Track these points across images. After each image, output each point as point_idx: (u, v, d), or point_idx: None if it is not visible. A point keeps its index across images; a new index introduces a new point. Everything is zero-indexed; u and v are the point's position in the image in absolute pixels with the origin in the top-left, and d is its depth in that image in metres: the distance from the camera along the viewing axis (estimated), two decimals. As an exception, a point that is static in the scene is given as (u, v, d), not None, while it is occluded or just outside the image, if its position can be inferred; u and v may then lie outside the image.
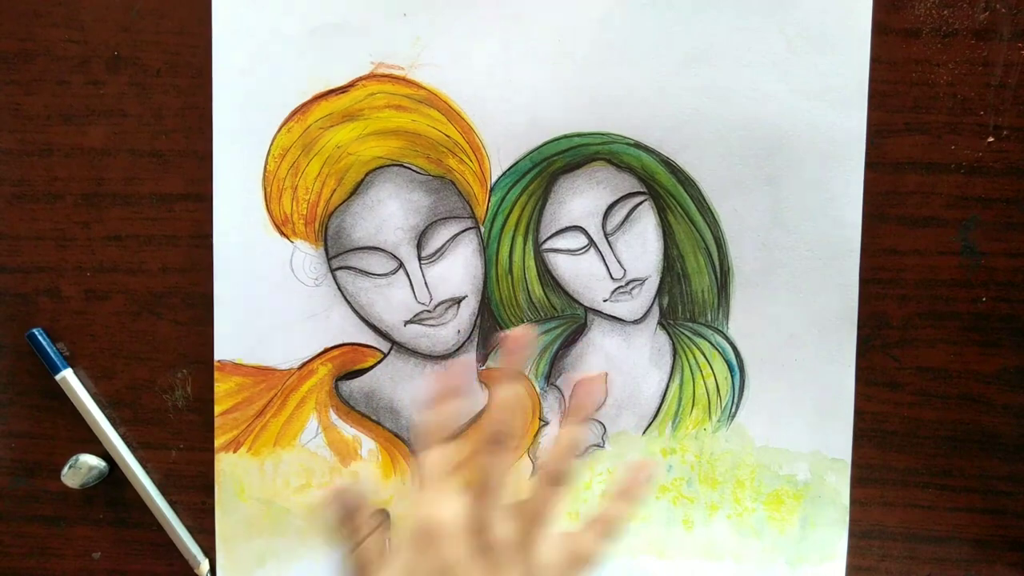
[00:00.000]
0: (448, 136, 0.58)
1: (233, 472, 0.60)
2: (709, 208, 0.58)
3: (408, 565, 0.44)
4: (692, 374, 0.60)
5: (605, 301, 0.59)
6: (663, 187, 0.58)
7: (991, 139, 0.58)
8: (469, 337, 0.60)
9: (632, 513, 0.48)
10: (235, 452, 0.60)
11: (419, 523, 0.44)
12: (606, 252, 0.59)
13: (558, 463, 0.46)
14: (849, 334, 0.59)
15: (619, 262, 0.59)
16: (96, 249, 0.61)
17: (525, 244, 0.59)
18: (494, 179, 0.58)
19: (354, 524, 0.47)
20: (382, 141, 0.58)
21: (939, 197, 0.59)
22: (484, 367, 0.60)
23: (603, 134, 0.58)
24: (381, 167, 0.58)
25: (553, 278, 0.59)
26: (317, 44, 0.58)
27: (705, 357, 0.60)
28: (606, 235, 0.59)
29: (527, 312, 0.60)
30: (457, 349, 0.60)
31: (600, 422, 0.60)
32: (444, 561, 0.43)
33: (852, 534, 0.60)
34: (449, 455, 0.46)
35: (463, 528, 0.44)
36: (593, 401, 0.49)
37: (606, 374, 0.60)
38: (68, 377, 0.61)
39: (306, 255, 0.59)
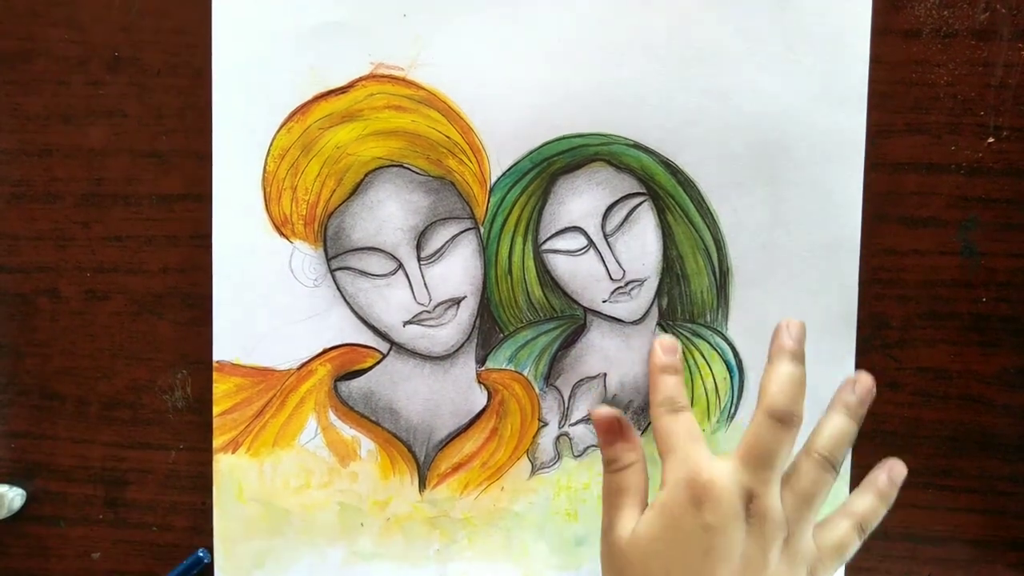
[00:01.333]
0: (448, 137, 0.58)
1: (232, 473, 0.60)
2: (709, 209, 0.58)
3: (672, 511, 0.47)
4: (691, 375, 0.60)
5: (604, 302, 0.59)
6: (663, 188, 0.58)
7: (991, 139, 0.58)
8: (468, 338, 0.60)
9: (883, 514, 0.52)
10: (234, 453, 0.60)
11: (691, 475, 0.47)
12: (605, 253, 0.59)
13: (833, 450, 0.49)
14: (849, 334, 0.59)
15: (618, 263, 0.59)
16: (96, 249, 0.61)
17: (524, 245, 0.59)
18: (494, 179, 0.58)
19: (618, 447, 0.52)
20: (382, 142, 0.58)
21: (939, 197, 0.58)
22: (483, 368, 0.60)
23: (603, 135, 0.58)
24: (380, 168, 0.58)
25: (552, 279, 0.59)
26: (317, 44, 0.58)
27: (704, 358, 0.60)
28: (605, 236, 0.59)
29: (526, 313, 0.60)
30: (457, 350, 0.60)
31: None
32: (709, 520, 0.46)
33: (852, 534, 0.60)
34: (694, 421, 0.50)
35: (735, 492, 0.46)
36: (860, 398, 0.51)
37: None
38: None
39: (305, 256, 0.59)
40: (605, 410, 0.53)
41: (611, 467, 0.52)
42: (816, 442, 0.49)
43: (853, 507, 0.51)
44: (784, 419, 0.47)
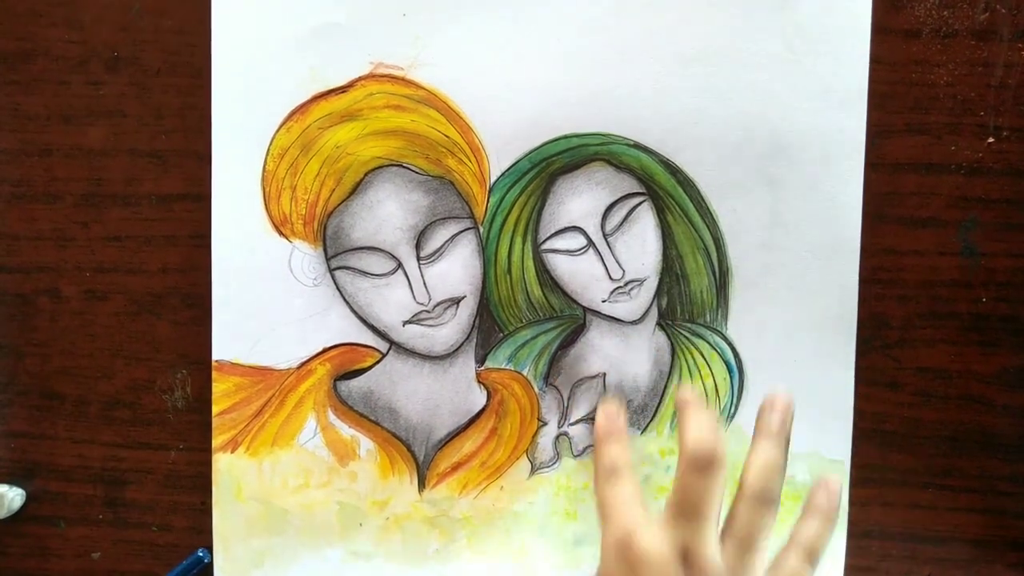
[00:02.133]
0: (447, 136, 0.58)
1: (231, 472, 0.60)
2: (708, 209, 0.58)
3: None
4: (691, 375, 0.60)
5: (604, 302, 0.59)
6: (662, 187, 0.58)
7: (991, 140, 0.58)
8: (468, 337, 0.60)
9: (831, 533, 0.50)
10: (233, 452, 0.60)
11: (622, 545, 0.46)
12: (605, 253, 0.59)
13: (766, 483, 0.47)
14: (849, 334, 0.59)
15: (618, 263, 0.59)
16: (96, 249, 0.61)
17: (524, 244, 0.59)
18: (493, 179, 0.58)
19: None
20: (381, 141, 0.58)
21: (939, 197, 0.58)
22: (483, 367, 0.60)
23: (602, 134, 0.58)
24: (380, 167, 0.58)
25: (552, 278, 0.59)
26: (316, 44, 0.58)
27: (704, 358, 0.60)
28: (605, 236, 0.59)
29: (526, 312, 0.60)
30: (456, 349, 0.60)
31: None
32: None
33: (851, 534, 0.60)
34: (634, 487, 0.49)
35: (668, 551, 0.45)
36: (781, 419, 0.49)
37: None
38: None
39: (305, 255, 0.59)
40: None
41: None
42: (745, 479, 0.48)
43: (799, 536, 0.49)
44: (705, 464, 0.46)
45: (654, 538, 0.45)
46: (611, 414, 0.53)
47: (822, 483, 0.51)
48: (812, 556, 0.49)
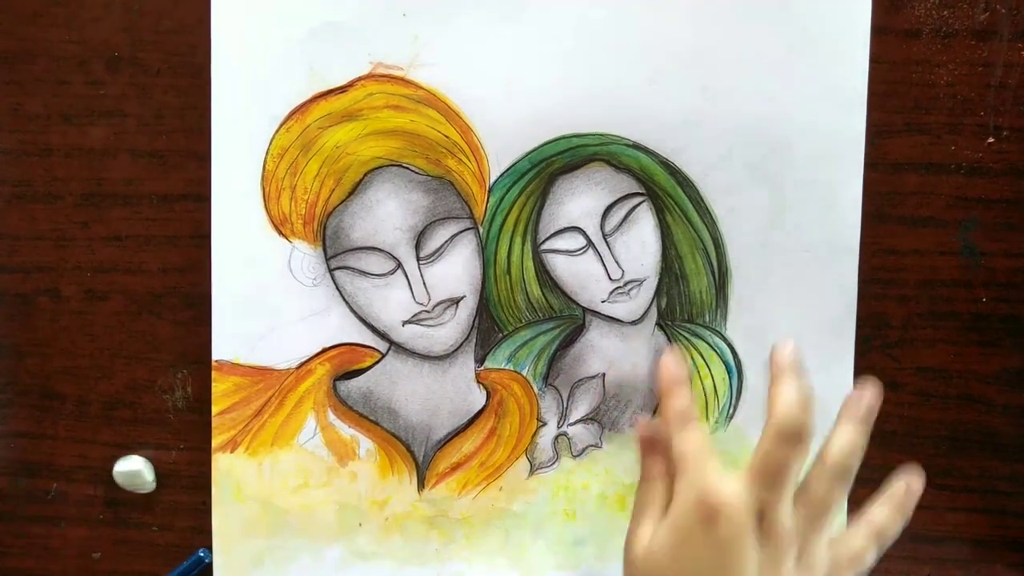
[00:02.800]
0: (447, 136, 0.58)
1: (230, 472, 0.60)
2: (708, 209, 0.58)
3: (683, 529, 0.47)
4: (690, 375, 0.60)
5: (603, 302, 0.59)
6: (662, 188, 0.58)
7: (991, 139, 0.58)
8: (467, 338, 0.60)
9: (902, 526, 0.51)
10: (232, 452, 0.60)
11: (701, 494, 0.47)
12: (604, 253, 0.59)
13: (845, 460, 0.48)
14: (848, 334, 0.59)
15: (617, 263, 0.59)
16: (96, 249, 0.61)
17: (524, 245, 0.59)
18: (493, 179, 0.58)
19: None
20: (381, 141, 0.58)
21: (939, 197, 0.58)
22: (482, 368, 0.60)
23: (602, 135, 0.58)
24: (380, 167, 0.58)
25: (551, 279, 0.59)
26: (316, 44, 0.58)
27: (703, 358, 0.60)
28: (604, 236, 0.59)
29: (525, 312, 0.60)
30: (455, 349, 0.60)
31: (598, 422, 0.60)
32: (722, 537, 0.45)
33: (851, 535, 0.60)
34: (706, 436, 0.50)
35: (746, 510, 0.46)
36: (869, 407, 0.50)
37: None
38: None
39: (304, 255, 0.59)
40: (645, 426, 0.53)
41: (641, 477, 0.53)
42: (828, 453, 0.48)
43: (871, 517, 0.50)
44: (794, 436, 0.46)
45: (734, 493, 0.46)
46: (677, 360, 0.52)
47: (905, 476, 0.52)
48: (879, 539, 0.50)
